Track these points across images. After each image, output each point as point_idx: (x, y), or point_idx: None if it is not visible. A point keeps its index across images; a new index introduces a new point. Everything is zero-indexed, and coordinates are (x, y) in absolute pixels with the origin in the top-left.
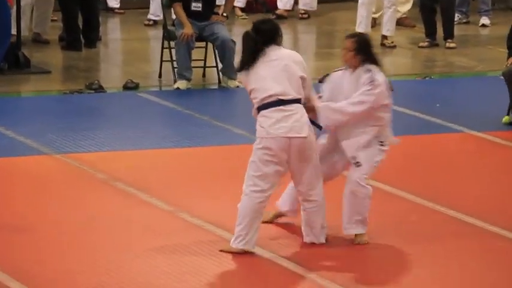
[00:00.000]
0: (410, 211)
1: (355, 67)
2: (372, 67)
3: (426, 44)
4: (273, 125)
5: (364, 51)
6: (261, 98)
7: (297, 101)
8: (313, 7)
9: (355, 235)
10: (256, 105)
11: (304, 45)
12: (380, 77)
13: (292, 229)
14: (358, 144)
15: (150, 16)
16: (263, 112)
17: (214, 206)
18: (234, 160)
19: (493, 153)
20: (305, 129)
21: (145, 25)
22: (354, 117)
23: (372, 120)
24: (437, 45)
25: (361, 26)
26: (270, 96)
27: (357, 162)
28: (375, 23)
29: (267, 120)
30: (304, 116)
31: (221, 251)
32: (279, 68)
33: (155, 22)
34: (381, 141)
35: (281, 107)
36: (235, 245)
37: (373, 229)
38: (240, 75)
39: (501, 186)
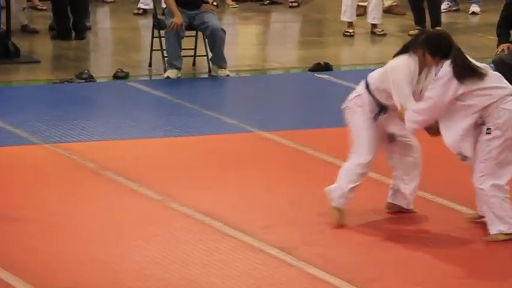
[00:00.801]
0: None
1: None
2: (446, 61)
3: (416, 31)
4: None
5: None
6: None
7: None
8: None
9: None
10: None
11: (291, 33)
12: (444, 70)
13: (279, 211)
14: (457, 136)
15: (140, 5)
16: None
17: (204, 195)
18: (224, 149)
19: None
20: None
21: (135, 14)
22: (430, 114)
23: (463, 110)
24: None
25: (346, 14)
26: None
27: (463, 156)
28: (365, 12)
29: None
30: None
31: None
32: None
33: (145, 11)
34: (488, 129)
35: None
36: None
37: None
38: None
39: None
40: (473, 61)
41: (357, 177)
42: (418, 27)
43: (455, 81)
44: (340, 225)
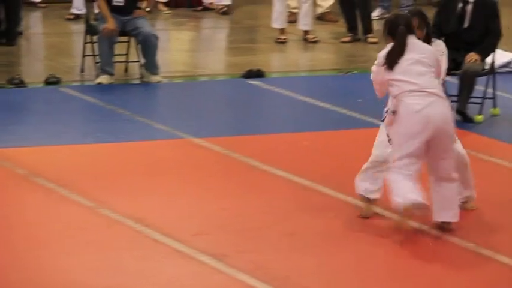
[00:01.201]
0: (328, 207)
1: None
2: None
3: (348, 39)
4: None
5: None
6: None
7: None
8: (227, 1)
9: None
10: None
11: (224, 39)
12: (382, 52)
13: (210, 217)
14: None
15: (72, 10)
16: None
17: (135, 202)
18: (155, 156)
19: None
20: None
21: (68, 19)
22: (375, 87)
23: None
24: (359, 40)
25: (277, 21)
26: None
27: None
28: (297, 18)
29: None
30: None
31: None
32: None
33: (77, 16)
34: (393, 111)
35: None
36: None
37: (293, 223)
38: None
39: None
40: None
41: None
42: (350, 34)
43: (381, 67)
44: (275, 231)
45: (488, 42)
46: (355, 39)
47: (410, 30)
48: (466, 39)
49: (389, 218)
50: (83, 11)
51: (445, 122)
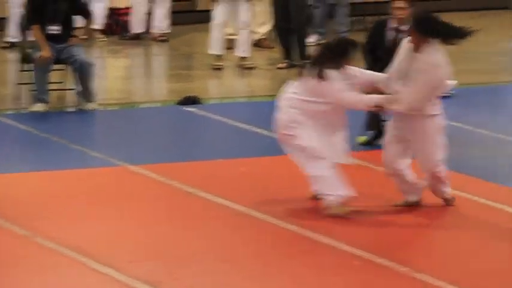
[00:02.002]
0: (263, 232)
1: None
2: None
3: (284, 65)
4: None
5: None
6: None
7: None
8: (165, 29)
9: None
10: None
11: (161, 66)
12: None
13: (144, 245)
14: None
15: (7, 38)
16: None
17: (70, 229)
18: (90, 183)
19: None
20: None
21: (2, 48)
22: None
23: None
24: (295, 65)
25: (215, 48)
26: None
27: None
28: (233, 45)
29: None
30: None
31: None
32: None
33: (13, 44)
34: None
35: None
36: None
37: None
38: None
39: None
40: None
41: None
42: (286, 61)
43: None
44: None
45: None
46: (291, 65)
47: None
48: None
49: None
50: (17, 39)
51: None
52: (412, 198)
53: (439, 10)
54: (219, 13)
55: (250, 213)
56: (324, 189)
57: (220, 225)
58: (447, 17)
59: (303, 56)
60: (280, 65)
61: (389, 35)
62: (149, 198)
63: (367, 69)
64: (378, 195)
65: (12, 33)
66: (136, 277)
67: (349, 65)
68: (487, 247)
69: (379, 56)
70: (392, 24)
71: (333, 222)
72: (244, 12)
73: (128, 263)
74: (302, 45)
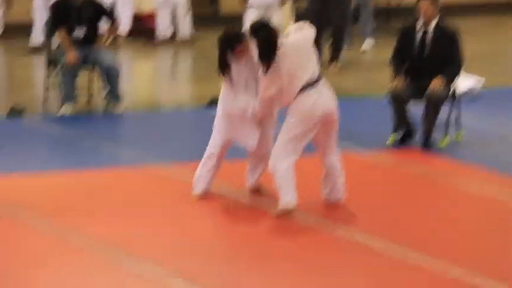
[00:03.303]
0: (301, 233)
1: None
2: None
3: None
4: None
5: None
6: None
7: None
8: (187, 35)
9: None
10: None
11: (186, 69)
12: None
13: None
14: None
15: (32, 43)
16: None
17: (104, 226)
18: (121, 182)
19: (376, 174)
20: None
21: (29, 51)
22: None
23: None
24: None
25: None
26: None
27: None
28: None
29: None
30: None
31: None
32: None
33: (38, 48)
34: None
35: None
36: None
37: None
38: None
39: (389, 207)
40: None
41: None
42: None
43: None
44: None
45: (451, 69)
46: None
47: None
48: (428, 67)
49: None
50: (42, 43)
51: None
52: None
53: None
54: (250, 18)
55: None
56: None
57: (254, 223)
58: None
59: (334, 60)
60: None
61: (418, 38)
62: (180, 198)
63: (396, 75)
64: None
65: (37, 38)
66: (172, 273)
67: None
68: None
69: (408, 61)
70: (420, 26)
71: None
72: (276, 18)
73: (163, 259)
74: (338, 49)
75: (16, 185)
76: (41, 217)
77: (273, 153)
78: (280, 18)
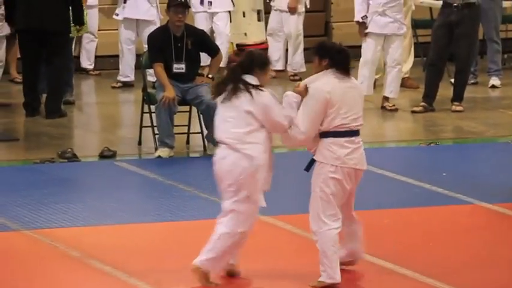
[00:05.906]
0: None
1: None
2: None
3: (420, 108)
4: None
5: None
6: None
7: None
8: (302, 68)
9: None
10: None
11: None
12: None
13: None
14: None
15: (119, 77)
16: None
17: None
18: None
19: (507, 228)
20: None
21: (114, 87)
22: None
23: None
24: (433, 110)
25: (362, 86)
26: None
27: None
28: (375, 85)
29: None
30: None
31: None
32: None
33: (125, 84)
34: None
35: None
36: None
37: None
38: None
39: None
40: None
41: None
42: (423, 103)
43: None
44: None
45: None
46: (428, 110)
47: None
48: None
49: None
50: (130, 78)
51: None
52: None
53: None
54: (369, 49)
55: (397, 270)
56: None
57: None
58: None
59: (458, 97)
60: (415, 108)
61: None
62: (285, 251)
63: None
64: None
65: (125, 72)
66: None
67: None
68: None
69: None
70: None
71: None
72: (395, 49)
73: None
74: (461, 87)
75: (106, 238)
76: (132, 273)
77: None
78: (400, 50)
